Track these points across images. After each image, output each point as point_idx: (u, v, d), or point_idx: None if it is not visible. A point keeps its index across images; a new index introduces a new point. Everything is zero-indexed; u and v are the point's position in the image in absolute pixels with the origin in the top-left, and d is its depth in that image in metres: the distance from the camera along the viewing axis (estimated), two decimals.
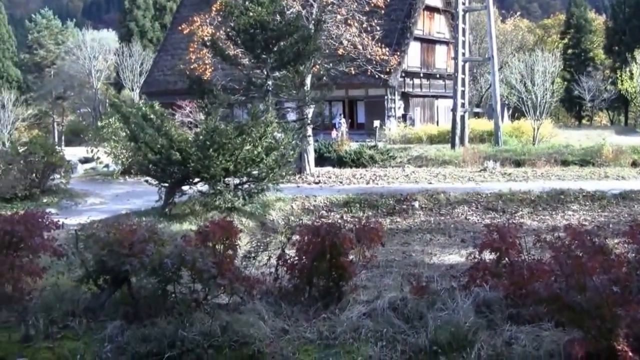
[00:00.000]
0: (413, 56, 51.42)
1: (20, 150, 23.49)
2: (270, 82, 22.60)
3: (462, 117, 38.04)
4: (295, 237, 10.38)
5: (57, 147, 26.86)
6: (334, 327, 8.75)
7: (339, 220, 18.68)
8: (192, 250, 9.23)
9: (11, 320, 9.57)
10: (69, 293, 10.20)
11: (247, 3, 22.61)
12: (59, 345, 8.89)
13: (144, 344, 8.37)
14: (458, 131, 37.15)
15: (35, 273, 10.17)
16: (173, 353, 8.20)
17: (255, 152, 17.81)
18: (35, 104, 74.72)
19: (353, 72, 30.49)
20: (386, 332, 8.45)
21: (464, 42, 38.97)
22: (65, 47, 79.35)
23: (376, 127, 43.92)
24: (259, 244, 10.95)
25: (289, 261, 10.12)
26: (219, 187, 17.87)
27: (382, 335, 8.40)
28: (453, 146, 36.50)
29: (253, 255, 10.54)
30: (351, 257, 10.05)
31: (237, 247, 10.39)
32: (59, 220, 10.67)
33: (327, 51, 27.58)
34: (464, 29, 39.00)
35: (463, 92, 38.60)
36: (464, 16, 38.89)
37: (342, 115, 46.84)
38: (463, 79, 38.85)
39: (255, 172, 18.30)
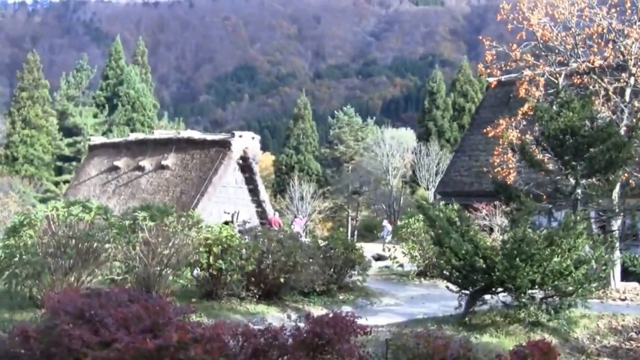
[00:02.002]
0: None
1: (320, 245, 23.97)
2: (579, 191, 21.62)
3: None
4: None
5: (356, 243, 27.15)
6: None
7: None
8: None
9: None
10: None
11: (558, 108, 21.95)
12: None
13: None
14: None
15: None
16: None
17: (564, 265, 16.86)
18: (331, 197, 77.62)
19: None
20: None
21: None
22: (364, 143, 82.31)
23: None
24: None
25: None
26: (523, 300, 17.05)
27: None
28: None
29: None
30: None
31: None
32: (367, 326, 10.46)
33: (637, 158, 26.06)
34: None
35: None
36: None
37: None
38: None
39: (562, 286, 17.29)
